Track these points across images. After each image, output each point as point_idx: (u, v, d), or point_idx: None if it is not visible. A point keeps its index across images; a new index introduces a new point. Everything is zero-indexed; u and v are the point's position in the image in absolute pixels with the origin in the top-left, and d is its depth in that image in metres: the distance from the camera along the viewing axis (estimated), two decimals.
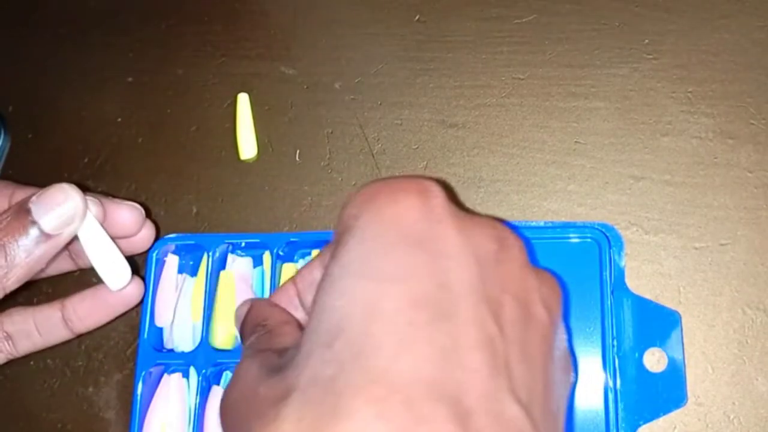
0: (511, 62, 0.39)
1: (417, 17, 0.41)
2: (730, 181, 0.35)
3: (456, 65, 0.39)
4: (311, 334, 0.20)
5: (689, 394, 0.33)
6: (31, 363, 0.38)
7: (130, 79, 0.42)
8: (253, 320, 0.26)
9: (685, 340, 0.33)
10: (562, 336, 0.23)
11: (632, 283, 0.34)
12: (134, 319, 0.37)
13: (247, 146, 0.39)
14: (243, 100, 0.40)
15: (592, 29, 0.39)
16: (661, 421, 0.32)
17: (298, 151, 0.39)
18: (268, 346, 0.23)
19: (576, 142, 0.37)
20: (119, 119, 0.42)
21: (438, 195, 0.22)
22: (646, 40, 0.38)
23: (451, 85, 0.39)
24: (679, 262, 0.35)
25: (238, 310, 0.28)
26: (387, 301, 0.19)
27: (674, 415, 0.32)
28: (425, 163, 0.38)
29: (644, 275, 0.35)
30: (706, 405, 0.32)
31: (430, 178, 0.23)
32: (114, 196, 0.40)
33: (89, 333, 0.37)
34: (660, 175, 0.36)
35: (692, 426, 0.32)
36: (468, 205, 0.37)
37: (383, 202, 0.21)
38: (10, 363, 0.36)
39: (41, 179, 0.42)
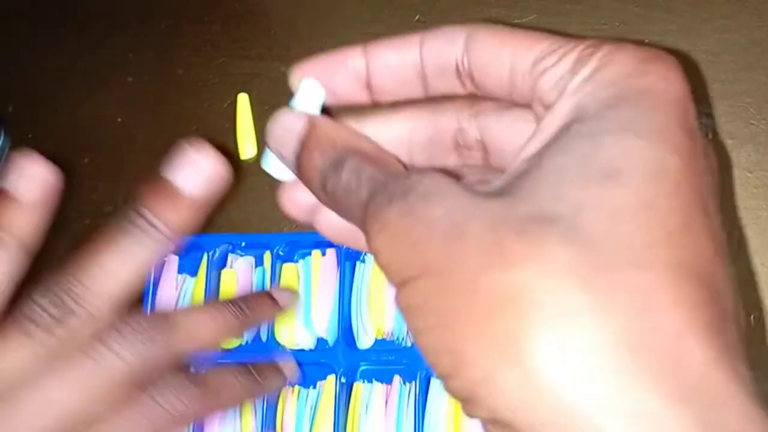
0: None
1: (417, 17, 0.41)
2: (731, 182, 0.35)
3: None
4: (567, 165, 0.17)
5: None
6: None
7: (130, 79, 0.42)
8: (326, 145, 0.21)
9: None
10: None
11: None
12: None
13: (247, 146, 0.39)
14: (243, 100, 0.40)
15: (592, 29, 0.39)
16: None
17: None
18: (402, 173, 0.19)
19: None
20: (119, 119, 0.42)
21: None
22: (646, 40, 0.38)
23: None
24: None
25: (281, 124, 0.22)
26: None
27: None
28: None
29: None
30: None
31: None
32: (114, 197, 0.40)
33: None
34: None
35: None
36: None
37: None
38: None
39: None
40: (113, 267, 0.26)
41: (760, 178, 0.35)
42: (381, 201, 0.18)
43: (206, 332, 0.28)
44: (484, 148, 0.23)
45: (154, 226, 0.26)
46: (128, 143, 0.41)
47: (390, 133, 0.24)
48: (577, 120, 0.18)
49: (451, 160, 0.24)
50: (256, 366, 0.32)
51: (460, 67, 0.21)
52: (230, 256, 0.36)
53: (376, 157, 0.20)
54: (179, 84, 0.42)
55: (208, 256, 0.36)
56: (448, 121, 0.23)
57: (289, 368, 0.34)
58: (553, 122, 0.18)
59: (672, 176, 0.16)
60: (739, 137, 0.36)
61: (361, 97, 0.23)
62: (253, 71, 0.41)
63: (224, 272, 0.36)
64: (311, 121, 0.22)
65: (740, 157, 0.36)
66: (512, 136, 0.22)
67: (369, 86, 0.23)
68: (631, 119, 0.17)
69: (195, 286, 0.36)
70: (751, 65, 0.37)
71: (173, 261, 0.36)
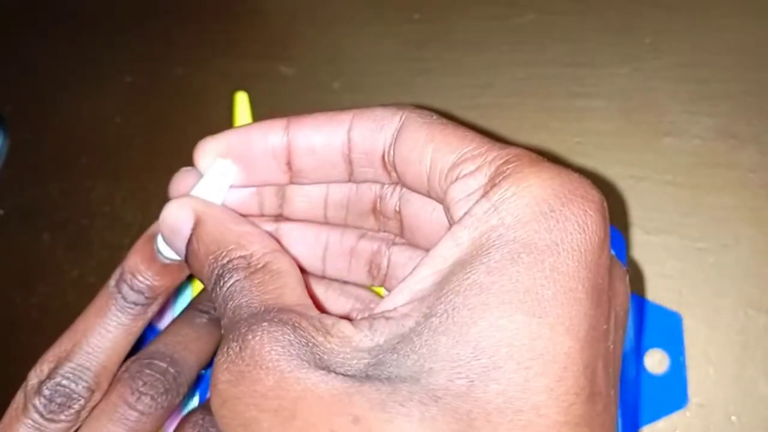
0: (512, 61, 0.39)
1: (417, 16, 0.41)
2: (733, 182, 0.35)
3: (456, 65, 0.39)
4: (437, 342, 0.16)
5: (691, 396, 0.32)
6: (31, 363, 0.37)
7: (129, 79, 0.42)
8: (212, 247, 0.20)
9: (686, 342, 0.33)
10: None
11: (633, 284, 0.34)
12: None
13: None
14: (242, 100, 0.40)
15: (593, 28, 0.39)
16: (663, 423, 0.32)
17: None
18: (269, 302, 0.18)
19: (577, 142, 0.37)
20: (118, 119, 0.42)
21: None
22: (648, 40, 0.38)
23: (451, 85, 0.39)
24: (681, 263, 0.34)
25: (169, 215, 0.21)
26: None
27: (676, 417, 0.32)
28: None
29: (645, 276, 0.34)
30: (708, 407, 0.32)
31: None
32: (114, 197, 0.40)
33: None
34: (661, 175, 0.36)
35: (694, 428, 0.32)
36: None
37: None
38: (10, 363, 0.36)
39: (40, 179, 0.42)
40: (103, 342, 0.25)
41: (762, 178, 0.35)
42: (222, 351, 0.17)
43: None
44: (401, 220, 0.22)
45: (139, 292, 0.24)
46: (127, 143, 0.41)
47: (307, 188, 0.23)
48: (471, 270, 0.16)
49: (368, 224, 0.23)
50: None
51: (386, 157, 0.20)
52: None
53: (253, 276, 0.19)
54: (178, 84, 0.42)
55: None
56: (370, 185, 0.22)
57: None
58: (449, 252, 0.17)
59: (560, 361, 0.15)
60: (742, 137, 0.36)
61: (279, 177, 0.22)
62: (252, 71, 0.41)
63: None
64: (199, 217, 0.21)
65: (742, 158, 0.35)
66: (430, 217, 0.21)
67: (289, 166, 0.22)
68: (528, 289, 0.16)
69: (193, 288, 0.36)
70: (753, 64, 0.37)
71: None
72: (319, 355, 0.16)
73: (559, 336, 0.16)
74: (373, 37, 0.41)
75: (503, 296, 0.16)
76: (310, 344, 0.16)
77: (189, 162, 0.40)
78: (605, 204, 0.18)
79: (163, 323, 0.35)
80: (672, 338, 0.33)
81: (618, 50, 0.38)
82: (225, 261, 0.19)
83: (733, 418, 0.32)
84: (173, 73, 0.42)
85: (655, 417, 0.32)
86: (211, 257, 0.20)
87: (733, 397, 0.32)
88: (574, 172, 0.18)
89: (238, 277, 0.19)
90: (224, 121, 0.40)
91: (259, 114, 0.40)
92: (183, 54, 0.42)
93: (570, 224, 0.17)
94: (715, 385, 0.33)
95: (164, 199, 0.39)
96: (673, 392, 0.32)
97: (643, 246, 0.35)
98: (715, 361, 0.33)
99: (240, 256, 0.19)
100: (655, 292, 0.34)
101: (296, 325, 0.16)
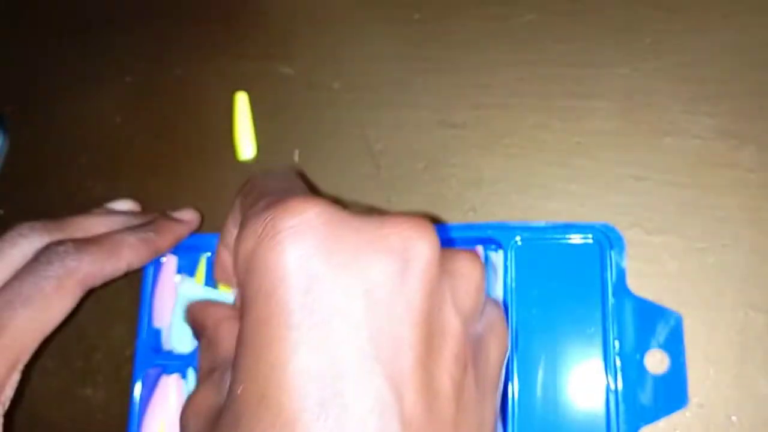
0: (512, 61, 0.39)
1: (416, 16, 0.41)
2: (733, 182, 0.35)
3: (456, 65, 0.39)
4: (238, 396, 0.19)
5: (691, 395, 0.32)
6: (31, 362, 0.37)
7: (128, 79, 0.42)
8: (195, 326, 0.25)
9: (686, 342, 0.33)
10: (486, 312, 0.23)
11: (634, 283, 0.34)
12: (132, 321, 0.37)
13: (246, 146, 0.39)
14: (242, 100, 0.40)
15: (593, 28, 0.39)
16: (663, 423, 0.32)
17: (297, 151, 0.39)
18: (212, 364, 0.22)
19: (577, 142, 0.37)
20: (118, 119, 0.42)
21: (315, 225, 0.19)
22: (648, 40, 0.38)
23: (451, 85, 0.39)
24: (681, 263, 0.34)
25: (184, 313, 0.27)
26: (280, 392, 0.18)
27: (676, 417, 0.32)
28: (425, 163, 0.38)
29: (646, 276, 0.34)
30: (708, 407, 0.32)
31: (308, 199, 0.20)
32: (113, 197, 0.40)
33: (88, 333, 0.37)
34: (662, 175, 0.36)
35: (694, 428, 0.32)
36: (468, 205, 0.37)
37: (258, 271, 0.19)
38: None
39: (41, 179, 0.42)
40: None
41: (762, 178, 0.35)
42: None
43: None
44: None
45: None
46: (126, 143, 0.41)
47: None
48: None
49: None
50: (149, 223, 0.35)
51: None
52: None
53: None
54: (178, 84, 0.42)
55: (206, 256, 0.36)
56: None
57: (188, 216, 0.36)
58: None
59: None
60: (742, 137, 0.36)
61: None
62: (252, 71, 0.41)
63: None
64: None
65: (743, 158, 0.35)
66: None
67: None
68: None
69: (194, 285, 0.36)
70: (754, 64, 0.37)
71: (171, 261, 0.36)
72: None
73: None
74: (373, 37, 0.41)
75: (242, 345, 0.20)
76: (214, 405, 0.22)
77: (189, 161, 0.40)
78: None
79: (164, 321, 0.35)
80: (672, 338, 0.33)
81: (618, 50, 0.38)
82: (199, 335, 0.25)
83: (734, 418, 0.32)
84: (173, 73, 0.42)
85: (655, 417, 0.32)
86: (195, 331, 0.26)
87: (733, 397, 0.32)
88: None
89: (204, 343, 0.25)
90: (224, 121, 0.40)
91: (259, 114, 0.40)
92: (183, 54, 0.42)
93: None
94: (715, 385, 0.33)
95: (164, 198, 0.40)
96: (673, 392, 0.32)
97: (643, 246, 0.35)
98: (715, 361, 0.33)
99: (203, 332, 0.25)
100: (656, 292, 0.34)
101: None
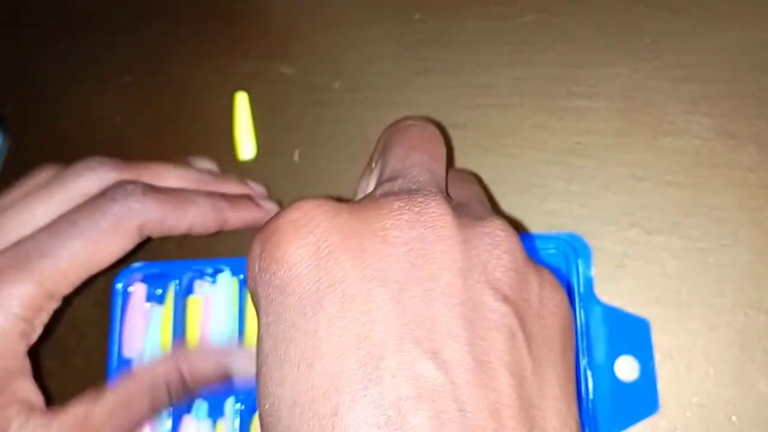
0: (512, 62, 0.39)
1: (417, 16, 0.41)
2: (733, 182, 0.35)
3: (456, 65, 0.39)
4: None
5: (690, 395, 0.32)
6: (31, 361, 0.37)
7: (128, 79, 0.42)
8: None
9: (686, 341, 0.33)
10: (530, 279, 0.20)
11: (633, 283, 0.34)
12: None
13: (246, 146, 0.39)
14: (241, 100, 0.40)
15: (593, 28, 0.39)
16: (663, 423, 0.32)
17: (297, 151, 0.39)
18: None
19: (577, 142, 0.37)
20: (118, 119, 0.42)
21: (320, 222, 0.19)
22: (648, 40, 0.38)
23: (451, 85, 0.39)
24: (681, 262, 0.34)
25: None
26: (310, 393, 0.17)
27: (676, 417, 0.32)
28: None
29: (645, 276, 0.34)
30: (708, 406, 0.32)
31: (311, 199, 0.20)
32: None
33: (89, 333, 0.37)
34: (661, 175, 0.36)
35: (694, 427, 0.32)
36: None
37: (270, 270, 0.19)
38: None
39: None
40: None
41: (762, 178, 0.35)
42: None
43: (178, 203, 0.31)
44: None
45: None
46: (126, 143, 0.41)
47: None
48: None
49: None
50: (227, 196, 0.33)
51: None
52: (197, 282, 0.35)
53: None
54: (178, 84, 0.42)
55: (174, 284, 0.35)
56: None
57: (269, 205, 0.35)
58: None
59: None
60: (742, 137, 0.36)
61: None
62: (252, 71, 0.41)
63: (190, 299, 0.35)
64: None
65: (742, 158, 0.35)
66: None
67: None
68: None
69: (163, 315, 0.35)
70: (753, 65, 0.37)
71: (141, 290, 0.36)
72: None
73: None
74: (374, 37, 0.41)
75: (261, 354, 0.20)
76: None
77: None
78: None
79: (134, 351, 0.35)
80: (641, 344, 0.32)
81: (618, 50, 0.38)
82: None
83: (733, 417, 0.32)
84: (173, 73, 0.42)
85: (627, 424, 0.32)
86: None
87: (732, 396, 0.32)
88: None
89: None
90: (224, 121, 0.40)
91: (259, 113, 0.40)
92: (183, 54, 0.42)
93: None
94: (714, 384, 0.33)
95: None
96: (643, 398, 0.32)
97: (643, 246, 0.35)
98: (714, 361, 0.33)
99: None
100: (655, 292, 0.34)
101: None
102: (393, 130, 0.26)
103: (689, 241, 0.35)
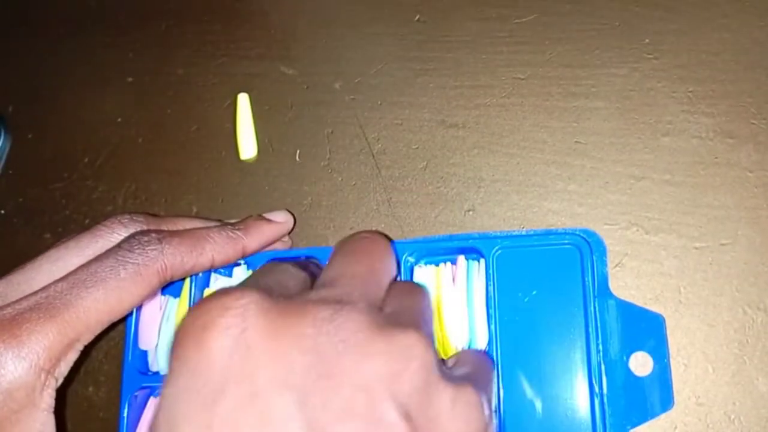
0: (512, 62, 0.39)
1: (417, 17, 0.41)
2: (731, 181, 0.35)
3: (456, 65, 0.39)
4: None
5: (690, 394, 0.33)
6: None
7: (130, 79, 0.42)
8: None
9: (685, 340, 0.33)
10: (440, 395, 0.21)
11: (632, 282, 0.34)
12: None
13: (247, 146, 0.39)
14: (243, 100, 0.40)
15: (592, 29, 0.39)
16: (663, 421, 0.32)
17: (298, 151, 0.39)
18: None
19: (576, 141, 0.37)
20: (119, 119, 0.42)
21: (248, 316, 0.20)
22: (647, 40, 0.38)
23: (451, 85, 0.39)
24: (680, 261, 0.34)
25: None
26: None
27: (675, 415, 0.32)
28: (425, 163, 0.38)
29: (645, 275, 0.34)
30: (707, 405, 0.32)
31: (251, 289, 0.21)
32: (115, 197, 0.40)
33: None
34: (660, 174, 0.36)
35: (693, 426, 0.32)
36: (468, 205, 0.37)
37: (188, 347, 0.19)
38: None
39: (41, 179, 0.42)
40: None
41: (760, 177, 0.35)
42: None
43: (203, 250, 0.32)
44: None
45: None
46: (128, 143, 0.41)
47: None
48: None
49: None
50: (239, 222, 0.34)
51: None
52: (213, 275, 0.36)
53: None
54: (179, 84, 0.42)
55: (191, 276, 0.35)
56: None
57: (280, 217, 0.35)
58: None
59: None
60: (740, 137, 0.36)
61: None
62: (253, 71, 0.41)
63: (206, 292, 0.35)
64: None
65: (741, 157, 0.36)
66: None
67: None
68: None
69: (179, 308, 0.35)
70: (751, 64, 0.37)
71: None
72: None
73: None
74: (374, 38, 0.41)
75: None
76: None
77: (190, 161, 0.40)
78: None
79: (150, 343, 0.35)
80: (656, 340, 0.33)
81: (617, 50, 0.38)
82: None
83: (732, 415, 0.32)
84: (175, 74, 0.42)
85: (642, 419, 0.32)
86: None
87: (732, 394, 0.32)
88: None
89: None
90: (226, 122, 0.40)
91: (260, 114, 0.40)
92: (184, 55, 0.42)
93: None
94: (713, 383, 0.33)
95: (166, 198, 0.40)
96: (658, 394, 0.32)
97: (642, 245, 0.35)
98: (713, 360, 0.33)
99: None
100: (655, 291, 0.34)
101: None
102: (344, 240, 0.27)
103: (688, 240, 0.35)
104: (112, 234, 0.32)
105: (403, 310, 0.24)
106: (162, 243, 0.30)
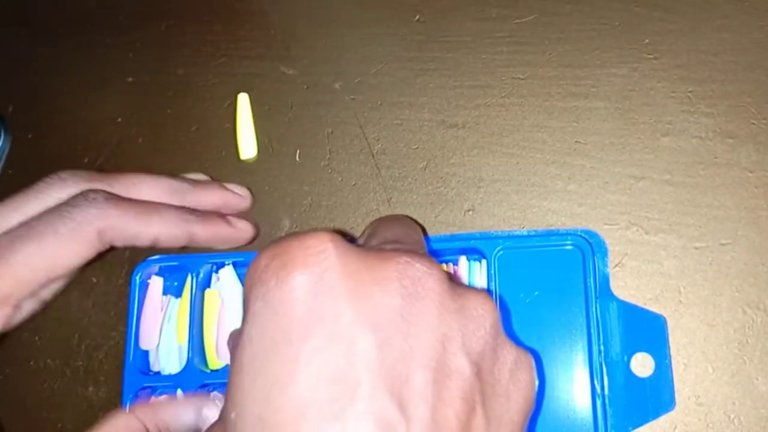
0: (511, 62, 0.39)
1: (417, 17, 0.41)
2: (731, 181, 0.35)
3: (456, 65, 0.39)
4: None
5: (690, 393, 0.33)
6: (31, 363, 0.38)
7: (130, 79, 0.42)
8: None
9: (685, 340, 0.33)
10: (506, 356, 0.22)
11: (632, 282, 0.34)
12: None
13: (247, 146, 0.39)
14: (243, 100, 0.40)
15: (592, 29, 0.39)
16: (663, 421, 0.32)
17: (298, 151, 0.39)
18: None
19: (576, 142, 0.37)
20: (119, 119, 0.42)
21: (328, 256, 0.20)
22: (646, 40, 0.38)
23: (451, 85, 0.39)
24: (680, 261, 0.35)
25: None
26: (278, 414, 0.18)
27: (675, 415, 0.32)
28: (425, 163, 0.38)
29: (645, 275, 0.34)
30: (707, 405, 0.32)
31: (327, 232, 0.21)
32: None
33: (89, 333, 0.38)
34: (660, 174, 0.36)
35: (693, 426, 0.32)
36: (468, 205, 0.37)
37: (270, 285, 0.19)
38: (9, 363, 0.36)
39: (41, 179, 0.42)
40: None
41: (760, 177, 0.35)
42: None
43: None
44: None
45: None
46: (128, 143, 0.41)
47: None
48: None
49: None
50: (198, 210, 0.34)
51: None
52: (214, 276, 0.36)
53: None
54: (179, 84, 0.42)
55: (192, 276, 0.35)
56: None
57: (241, 224, 0.35)
58: None
59: None
60: (740, 137, 0.36)
61: None
62: (253, 71, 0.41)
63: (207, 292, 0.35)
64: None
65: (740, 157, 0.36)
66: None
67: None
68: None
69: (180, 308, 0.35)
70: (751, 65, 0.37)
71: (157, 283, 0.36)
72: None
73: None
74: (374, 38, 0.41)
75: (238, 372, 0.20)
76: None
77: (190, 161, 0.40)
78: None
79: (151, 343, 0.35)
80: (657, 340, 0.33)
81: (617, 51, 0.38)
82: None
83: (732, 415, 0.32)
84: (175, 74, 0.42)
85: (643, 420, 0.32)
86: None
87: (731, 394, 0.32)
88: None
89: None
90: (226, 122, 0.40)
91: (260, 114, 0.40)
92: (184, 55, 0.42)
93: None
94: (713, 382, 0.33)
95: None
96: (660, 395, 0.32)
97: (642, 245, 0.35)
98: (713, 359, 0.33)
99: None
100: (654, 291, 0.34)
101: None
102: (382, 217, 0.27)
103: (688, 240, 0.35)
104: (50, 188, 0.31)
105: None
106: (107, 203, 0.30)
